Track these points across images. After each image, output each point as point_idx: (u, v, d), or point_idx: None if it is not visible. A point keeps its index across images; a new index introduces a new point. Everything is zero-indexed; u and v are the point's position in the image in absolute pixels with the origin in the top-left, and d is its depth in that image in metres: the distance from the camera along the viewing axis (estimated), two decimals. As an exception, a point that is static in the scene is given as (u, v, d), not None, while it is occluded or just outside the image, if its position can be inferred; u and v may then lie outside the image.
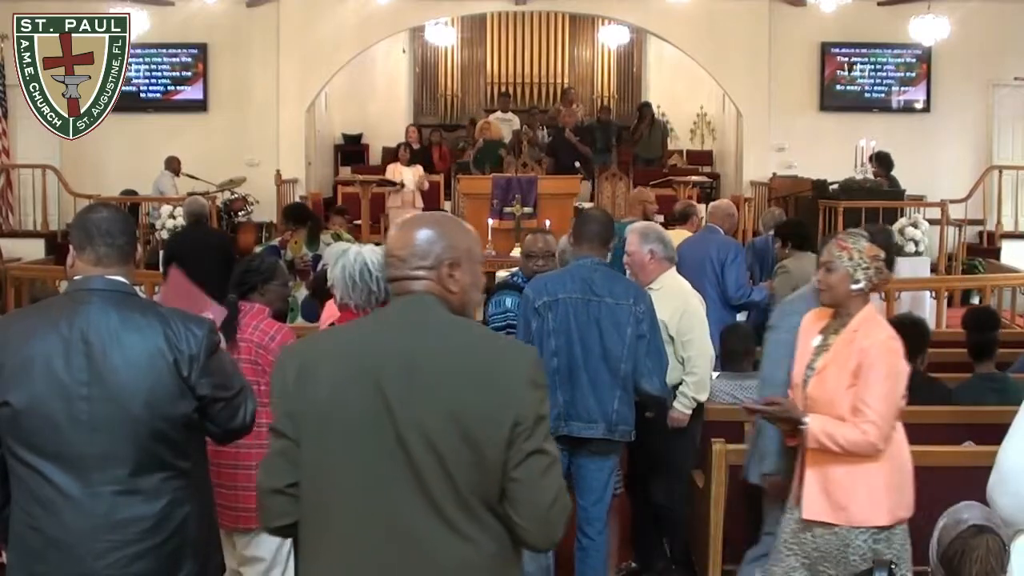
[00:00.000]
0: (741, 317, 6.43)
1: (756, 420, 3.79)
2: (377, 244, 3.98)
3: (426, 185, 11.89)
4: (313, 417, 2.08)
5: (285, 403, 2.12)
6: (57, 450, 2.45)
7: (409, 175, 11.58)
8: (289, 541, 3.75)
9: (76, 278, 2.57)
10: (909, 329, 5.09)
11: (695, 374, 4.60)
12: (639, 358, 4.13)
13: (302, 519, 2.12)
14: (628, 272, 4.76)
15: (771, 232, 7.13)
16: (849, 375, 3.20)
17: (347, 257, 3.70)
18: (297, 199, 11.69)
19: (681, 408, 4.60)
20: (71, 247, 2.61)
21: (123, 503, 2.46)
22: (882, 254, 3.36)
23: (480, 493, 2.03)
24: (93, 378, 2.46)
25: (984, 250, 12.53)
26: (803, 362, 3.39)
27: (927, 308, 9.51)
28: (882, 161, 11.07)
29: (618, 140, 13.56)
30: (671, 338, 4.54)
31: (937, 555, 2.56)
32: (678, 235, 6.47)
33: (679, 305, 4.61)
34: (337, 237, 7.24)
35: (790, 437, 3.35)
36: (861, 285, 3.28)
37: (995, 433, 4.27)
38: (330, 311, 4.69)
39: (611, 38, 15.22)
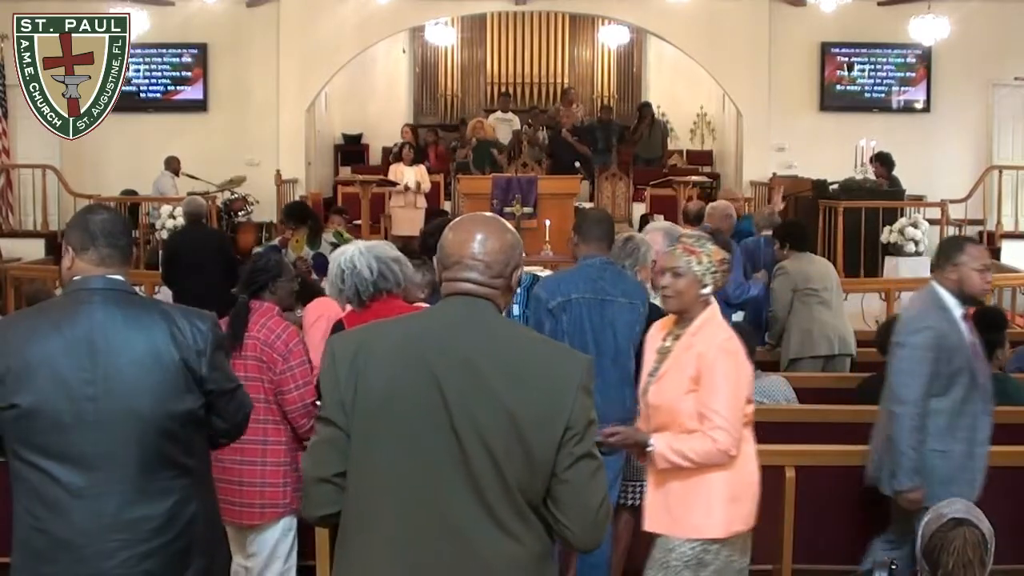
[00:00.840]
0: (737, 316, 6.42)
1: (888, 430, 3.71)
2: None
3: (429, 186, 11.91)
4: (365, 408, 2.07)
5: (337, 392, 2.10)
6: (64, 450, 2.43)
7: (412, 175, 11.60)
8: (292, 535, 3.77)
9: (76, 278, 2.56)
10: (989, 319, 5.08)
11: None
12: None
13: (346, 510, 2.12)
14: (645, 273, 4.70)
15: (763, 232, 7.11)
16: (688, 380, 3.13)
17: (343, 255, 3.84)
18: (297, 199, 11.69)
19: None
20: (69, 248, 2.59)
21: (132, 502, 2.45)
22: (728, 257, 3.34)
23: (527, 493, 2.05)
24: (98, 377, 2.45)
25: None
26: (646, 369, 3.35)
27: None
28: (883, 161, 11.08)
29: (619, 140, 13.56)
30: None
31: (921, 551, 2.58)
32: (677, 236, 6.50)
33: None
34: (339, 236, 7.20)
35: (641, 459, 3.31)
36: (709, 290, 3.24)
37: (995, 433, 4.28)
38: (319, 309, 4.72)
39: (611, 38, 15.22)
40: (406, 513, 2.05)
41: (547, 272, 4.76)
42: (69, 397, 2.44)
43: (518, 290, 4.17)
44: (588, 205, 12.66)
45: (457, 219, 2.31)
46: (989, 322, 5.13)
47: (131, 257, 2.63)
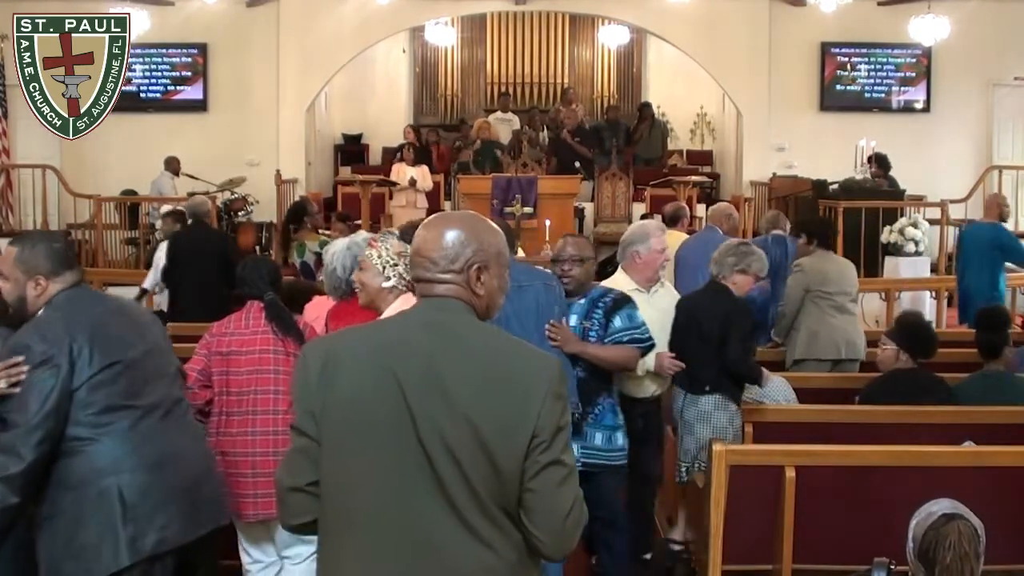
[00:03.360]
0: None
1: None
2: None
3: (431, 185, 11.90)
4: (334, 417, 2.06)
5: (306, 401, 2.10)
6: (151, 399, 2.95)
7: (413, 175, 11.58)
8: None
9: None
10: (926, 329, 5.10)
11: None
12: None
13: (322, 519, 2.11)
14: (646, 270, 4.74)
15: (771, 233, 7.05)
16: None
17: (328, 252, 4.10)
18: (298, 199, 11.68)
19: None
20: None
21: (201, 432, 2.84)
22: (408, 250, 3.30)
23: (500, 501, 2.01)
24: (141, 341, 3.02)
25: (984, 250, 12.51)
26: None
27: (927, 308, 9.52)
28: (880, 162, 11.09)
29: (627, 140, 13.52)
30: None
31: (914, 552, 2.58)
32: (672, 237, 6.45)
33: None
34: (324, 245, 7.02)
35: None
36: (392, 282, 3.36)
37: (995, 433, 4.28)
38: (317, 309, 4.77)
39: (611, 38, 15.22)
40: (376, 524, 2.03)
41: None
42: (143, 352, 3.00)
43: (581, 301, 4.21)
44: (588, 205, 12.68)
45: None
46: (994, 321, 5.14)
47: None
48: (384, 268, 3.35)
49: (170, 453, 2.91)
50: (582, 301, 4.25)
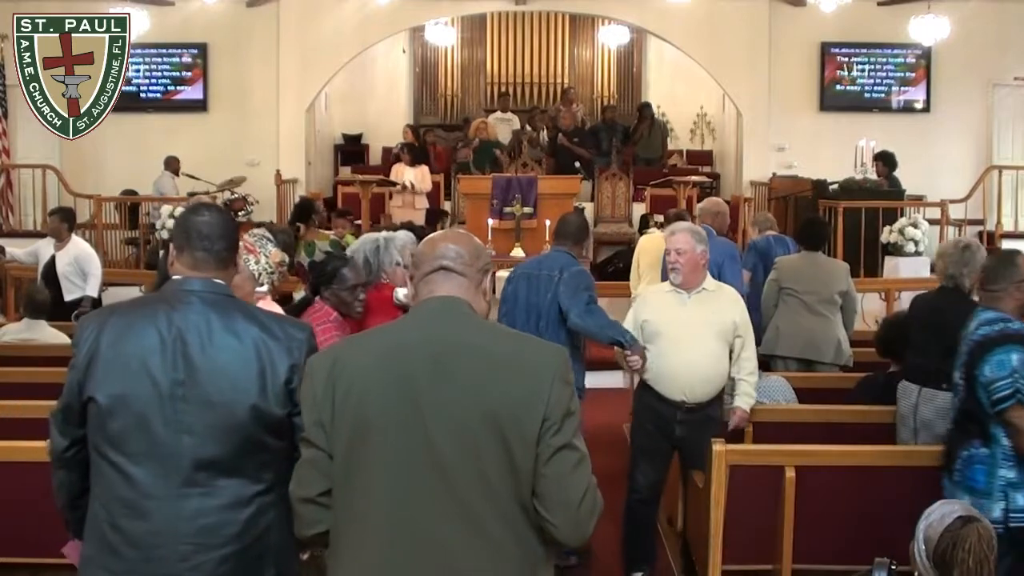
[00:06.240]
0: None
1: None
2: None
3: (430, 186, 11.90)
4: (342, 425, 2.07)
5: (314, 412, 2.11)
6: (145, 450, 2.40)
7: (412, 176, 11.58)
8: None
9: (175, 278, 2.54)
10: (895, 331, 5.10)
11: (755, 373, 4.70)
12: None
13: (334, 528, 2.11)
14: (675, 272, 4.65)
15: (767, 232, 7.05)
16: None
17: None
18: (299, 198, 11.69)
19: (746, 407, 4.68)
20: (172, 247, 2.60)
21: (210, 507, 2.41)
22: (287, 259, 3.50)
23: (516, 495, 2.02)
24: (188, 379, 2.41)
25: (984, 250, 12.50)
26: None
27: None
28: (886, 160, 11.08)
29: (624, 141, 13.52)
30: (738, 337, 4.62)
31: (927, 556, 2.55)
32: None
33: (742, 306, 4.69)
34: (335, 245, 6.96)
35: None
36: (265, 288, 3.41)
37: (995, 433, 4.26)
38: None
39: (611, 38, 15.22)
40: (390, 529, 2.03)
41: None
42: (157, 396, 2.41)
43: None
44: (588, 205, 12.68)
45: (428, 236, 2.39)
46: None
47: (230, 261, 2.60)
48: (260, 275, 3.40)
49: None
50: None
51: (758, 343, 6.22)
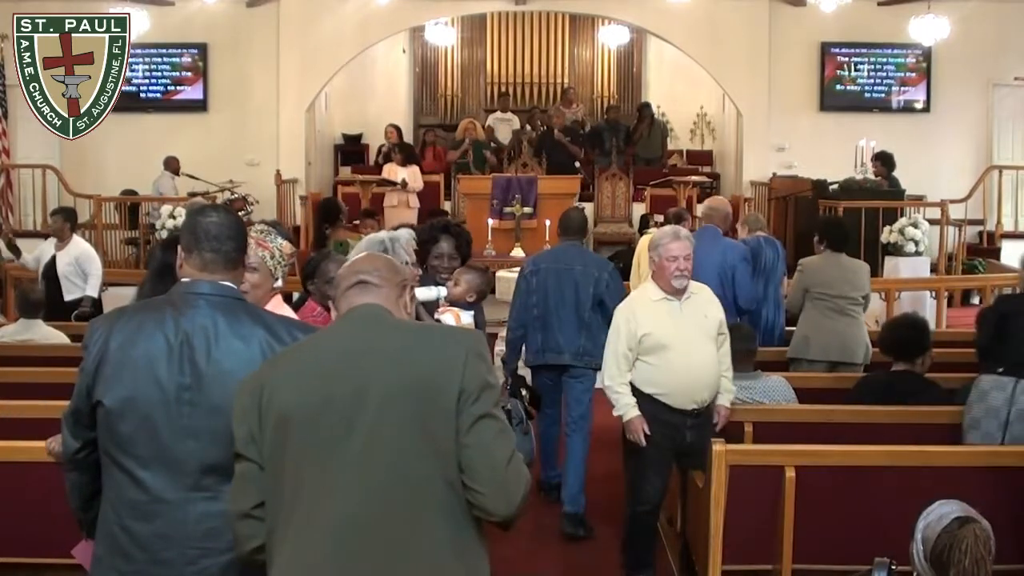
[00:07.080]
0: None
1: None
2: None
3: (421, 185, 11.88)
4: (268, 429, 2.11)
5: (244, 425, 2.15)
6: (152, 453, 2.41)
7: (404, 175, 11.59)
8: None
9: (184, 280, 2.53)
10: (909, 331, 5.11)
11: (731, 368, 4.73)
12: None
13: (269, 537, 2.13)
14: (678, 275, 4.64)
15: (757, 233, 6.95)
16: None
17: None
18: (324, 198, 11.65)
19: (728, 404, 4.71)
20: (180, 249, 2.58)
21: (216, 511, 2.39)
22: (296, 250, 3.43)
23: (442, 475, 2.05)
24: (194, 383, 2.42)
25: (984, 250, 12.53)
26: None
27: (927, 308, 9.52)
28: (885, 160, 11.08)
29: (627, 141, 13.50)
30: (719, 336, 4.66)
31: (924, 556, 2.55)
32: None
33: (718, 302, 4.75)
34: (340, 246, 6.68)
35: None
36: (280, 283, 3.36)
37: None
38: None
39: (611, 38, 15.21)
40: (323, 532, 2.05)
41: None
42: (163, 400, 2.40)
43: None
44: (588, 205, 12.67)
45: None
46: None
47: (239, 261, 2.58)
48: (275, 269, 3.33)
49: None
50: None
51: (783, 344, 6.32)
